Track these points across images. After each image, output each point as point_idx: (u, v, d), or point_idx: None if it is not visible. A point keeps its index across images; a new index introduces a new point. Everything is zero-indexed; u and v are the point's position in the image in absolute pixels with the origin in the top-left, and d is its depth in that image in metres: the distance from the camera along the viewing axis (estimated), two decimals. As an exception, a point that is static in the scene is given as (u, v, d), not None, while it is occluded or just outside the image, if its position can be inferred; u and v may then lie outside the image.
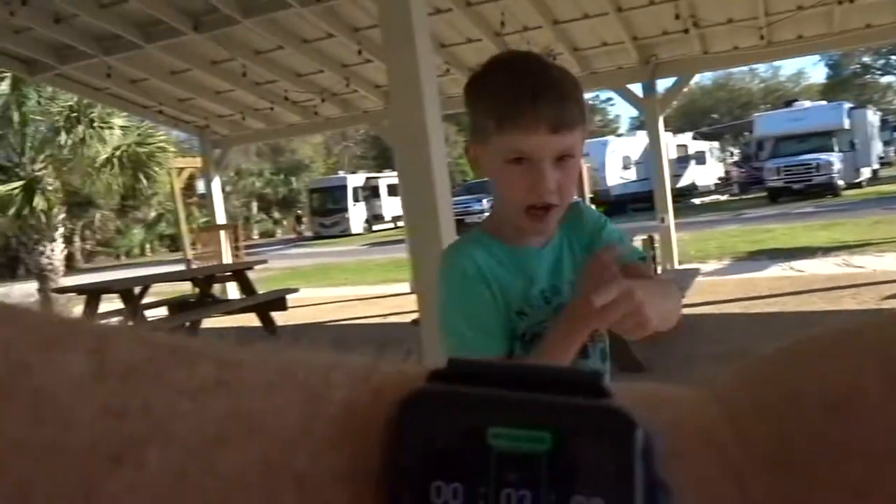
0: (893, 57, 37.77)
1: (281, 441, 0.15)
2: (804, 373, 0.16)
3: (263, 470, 0.14)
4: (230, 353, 0.17)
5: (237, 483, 0.14)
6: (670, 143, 22.48)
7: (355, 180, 28.57)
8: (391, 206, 27.65)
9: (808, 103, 22.85)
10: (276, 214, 35.78)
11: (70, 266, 20.86)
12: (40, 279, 12.12)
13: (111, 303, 6.12)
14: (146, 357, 0.16)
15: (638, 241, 6.81)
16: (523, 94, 1.01)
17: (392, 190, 26.81)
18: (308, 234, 29.12)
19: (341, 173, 31.86)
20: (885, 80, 41.18)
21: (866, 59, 39.07)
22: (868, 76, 40.78)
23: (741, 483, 0.15)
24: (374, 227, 28.25)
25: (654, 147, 8.18)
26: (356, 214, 27.75)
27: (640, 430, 0.15)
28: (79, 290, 6.18)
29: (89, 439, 0.14)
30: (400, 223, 21.10)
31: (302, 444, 0.15)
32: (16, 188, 11.75)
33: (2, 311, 0.16)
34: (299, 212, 29.93)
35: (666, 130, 10.08)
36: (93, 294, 5.87)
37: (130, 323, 0.18)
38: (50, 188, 12.15)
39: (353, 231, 27.04)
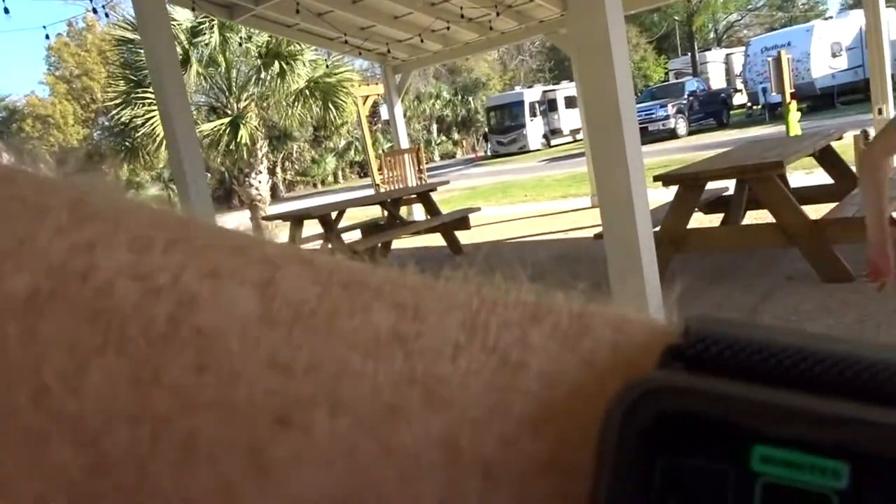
0: None
1: (467, 418, 0.13)
2: None
3: (445, 452, 0.12)
4: (408, 294, 0.15)
5: (414, 465, 0.12)
6: (892, 21, 19.53)
7: (532, 95, 28.09)
8: (569, 119, 26.96)
9: None
10: (456, 135, 36.37)
11: (274, 195, 22.90)
12: (251, 209, 13.47)
13: (312, 227, 6.67)
14: (317, 295, 0.14)
15: (848, 138, 6.09)
16: None
17: (570, 102, 26.06)
18: (483, 153, 29.35)
19: (517, 88, 31.47)
20: None
21: None
22: None
23: None
24: (552, 142, 27.80)
25: (871, 26, 7.14)
26: (534, 130, 27.40)
27: None
28: (284, 217, 6.78)
29: (255, 395, 0.13)
30: (579, 136, 20.54)
31: (492, 424, 0.12)
32: (222, 124, 12.99)
33: (175, 233, 0.15)
34: (486, 130, 30.08)
35: (888, 5, 8.74)
36: (296, 220, 6.43)
37: (322, 245, 0.15)
38: (252, 124, 13.29)
39: (531, 147, 26.79)
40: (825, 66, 20.06)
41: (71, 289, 0.13)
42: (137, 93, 12.69)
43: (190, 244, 0.15)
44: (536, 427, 0.12)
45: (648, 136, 19.25)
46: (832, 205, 4.37)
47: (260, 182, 13.71)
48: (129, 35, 12.45)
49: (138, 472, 0.12)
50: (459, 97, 35.73)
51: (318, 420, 0.13)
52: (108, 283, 0.13)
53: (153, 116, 11.98)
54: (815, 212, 4.24)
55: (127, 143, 13.78)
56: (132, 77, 12.90)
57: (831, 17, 26.40)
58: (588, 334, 0.14)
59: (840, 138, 5.53)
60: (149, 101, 12.01)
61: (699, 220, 5.28)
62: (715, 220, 5.39)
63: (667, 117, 20.60)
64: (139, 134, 13.09)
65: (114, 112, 13.50)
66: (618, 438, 0.11)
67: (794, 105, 10.46)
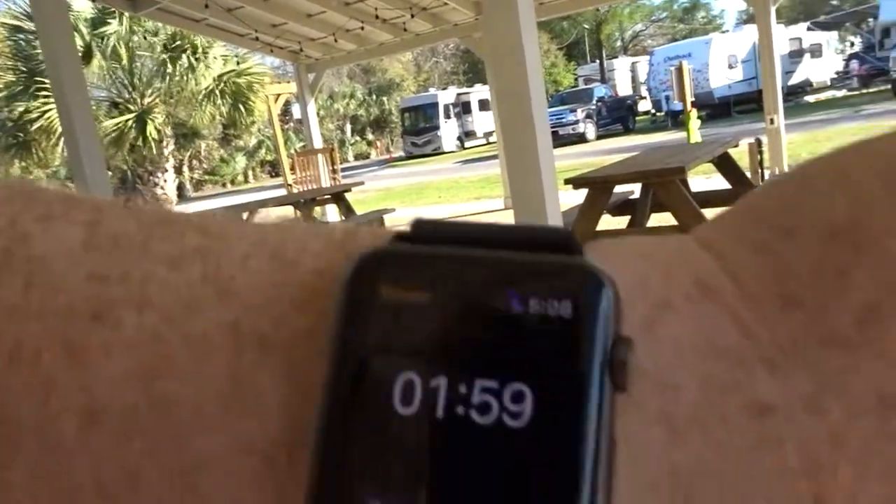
0: None
1: (249, 306, 0.15)
2: (798, 205, 0.15)
3: (230, 333, 0.15)
4: (218, 226, 0.17)
5: (206, 345, 0.15)
6: (782, 36, 20.82)
7: (446, 97, 28.27)
8: (483, 122, 27.29)
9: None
10: (370, 136, 36.15)
11: (181, 195, 22.07)
12: (157, 208, 12.94)
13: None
14: (136, 228, 0.17)
15: (744, 146, 6.46)
16: None
17: (483, 105, 26.39)
18: (399, 153, 29.33)
19: (432, 90, 31.60)
20: None
21: None
22: None
23: (743, 326, 0.14)
24: (467, 144, 28.07)
25: (763, 42, 7.62)
26: (448, 131, 27.59)
27: (611, 289, 0.14)
28: (193, 216, 6.54)
29: (73, 302, 0.15)
30: (492, 139, 20.87)
31: (268, 309, 0.15)
32: (128, 119, 12.43)
33: (15, 190, 0.17)
34: (401, 131, 29.96)
35: (778, 22, 9.32)
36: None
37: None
38: (158, 121, 12.77)
39: (446, 149, 26.95)
40: (723, 77, 21.21)
41: None
42: (32, 84, 11.95)
43: (27, 197, 0.17)
44: (303, 307, 0.15)
45: (559, 140, 19.73)
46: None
47: (165, 181, 13.19)
48: (23, 24, 11.72)
49: None
50: (374, 97, 35.54)
51: (127, 316, 0.15)
52: None
53: (49, 110, 11.31)
54: (713, 215, 4.47)
55: (18, 138, 12.95)
56: (24, 68, 12.15)
57: (728, 31, 27.94)
58: (354, 241, 0.17)
59: (736, 145, 5.85)
60: (45, 93, 11.34)
61: (607, 223, 5.47)
62: (622, 222, 5.60)
63: (576, 122, 21.20)
64: (33, 128, 12.33)
65: (3, 105, 12.66)
66: (344, 294, 0.14)
67: (694, 113, 10.98)
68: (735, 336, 0.14)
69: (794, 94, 21.85)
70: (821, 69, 24.61)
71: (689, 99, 11.32)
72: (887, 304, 0.13)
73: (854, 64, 24.36)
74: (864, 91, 21.62)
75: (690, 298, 0.14)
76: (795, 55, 23.18)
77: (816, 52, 24.30)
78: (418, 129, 27.77)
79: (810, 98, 22.51)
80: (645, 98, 26.46)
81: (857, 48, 30.57)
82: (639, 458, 0.13)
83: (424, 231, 0.16)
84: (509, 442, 0.13)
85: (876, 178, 0.14)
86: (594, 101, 22.32)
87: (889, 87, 18.57)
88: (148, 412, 0.14)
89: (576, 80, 34.65)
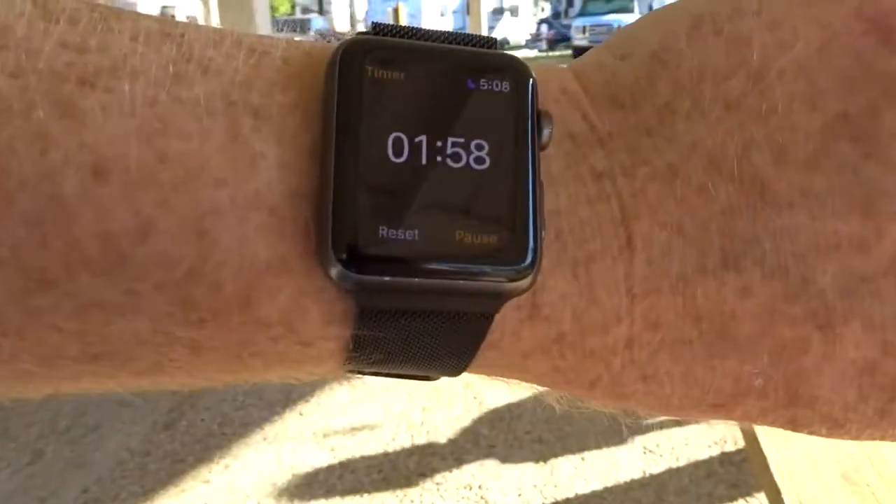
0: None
1: (235, 81, 0.17)
2: (637, 37, 0.20)
3: (224, 101, 0.16)
4: (168, 18, 0.18)
5: (202, 110, 0.16)
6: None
7: (148, 6, 25.38)
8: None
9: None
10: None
11: None
12: None
13: None
14: (87, 7, 0.17)
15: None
16: None
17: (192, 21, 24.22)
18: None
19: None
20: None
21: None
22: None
23: (587, 119, 0.19)
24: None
25: (471, -2, 8.08)
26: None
27: (533, 77, 0.19)
28: None
29: (55, 66, 0.15)
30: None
31: (254, 85, 0.17)
32: None
33: None
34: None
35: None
36: None
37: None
38: None
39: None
40: (434, 24, 22.16)
41: None
42: None
43: None
44: (284, 86, 0.17)
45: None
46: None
47: None
48: None
49: None
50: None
51: (119, 82, 0.15)
52: None
53: None
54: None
55: None
56: None
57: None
58: (305, 42, 0.19)
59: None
60: None
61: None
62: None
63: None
64: None
65: None
66: (338, 70, 0.17)
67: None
68: (583, 125, 0.19)
69: (495, 50, 23.64)
70: (518, 29, 27.04)
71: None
72: (677, 103, 0.18)
73: (543, 28, 27.19)
74: (551, 54, 24.31)
75: (556, 100, 0.19)
76: (497, 12, 25.13)
77: (515, 11, 26.61)
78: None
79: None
80: (362, 35, 26.54)
81: (547, 14, 34.04)
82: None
83: (384, 29, 0.19)
84: (476, 179, 0.17)
85: (681, 19, 0.19)
86: (312, 33, 21.79)
87: (570, 52, 21.05)
88: (158, 166, 0.15)
89: (293, 7, 33.49)
